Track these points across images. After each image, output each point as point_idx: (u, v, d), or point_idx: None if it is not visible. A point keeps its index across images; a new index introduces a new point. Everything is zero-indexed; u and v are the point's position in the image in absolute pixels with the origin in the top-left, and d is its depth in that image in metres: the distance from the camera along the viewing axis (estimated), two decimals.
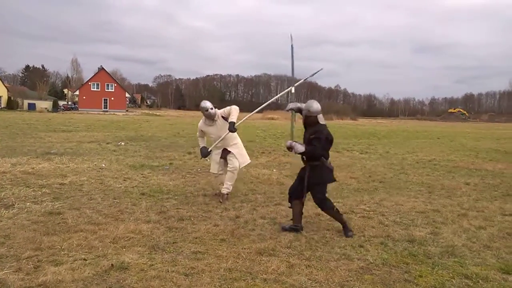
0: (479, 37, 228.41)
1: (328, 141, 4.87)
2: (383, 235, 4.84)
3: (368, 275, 3.70)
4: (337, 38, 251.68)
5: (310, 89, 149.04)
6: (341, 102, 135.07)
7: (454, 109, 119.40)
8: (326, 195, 4.96)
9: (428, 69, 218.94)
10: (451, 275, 3.73)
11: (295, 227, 4.89)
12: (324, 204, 4.90)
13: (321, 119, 4.92)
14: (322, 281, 3.51)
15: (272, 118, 50.90)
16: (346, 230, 4.85)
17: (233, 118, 6.20)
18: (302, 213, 4.99)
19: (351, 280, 3.56)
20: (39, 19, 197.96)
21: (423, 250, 4.38)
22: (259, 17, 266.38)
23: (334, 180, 5.05)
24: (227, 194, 6.43)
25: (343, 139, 21.36)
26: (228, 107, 6.47)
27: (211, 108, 6.38)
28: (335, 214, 4.93)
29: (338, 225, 5.19)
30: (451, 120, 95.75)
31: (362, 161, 12.16)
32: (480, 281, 3.60)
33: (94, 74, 75.37)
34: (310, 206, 6.14)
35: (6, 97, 66.72)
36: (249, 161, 6.99)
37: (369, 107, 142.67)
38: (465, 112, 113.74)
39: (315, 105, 4.89)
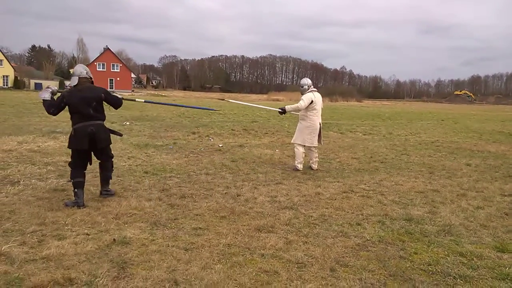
0: (486, 18, 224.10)
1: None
2: (381, 214, 4.91)
3: (364, 251, 3.77)
4: (342, 19, 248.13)
5: (315, 71, 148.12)
6: (347, 84, 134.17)
7: (460, 91, 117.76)
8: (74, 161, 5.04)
9: (434, 50, 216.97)
10: (446, 252, 3.80)
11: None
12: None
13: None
14: (318, 257, 3.58)
15: (278, 99, 50.74)
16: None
17: (288, 106, 7.72)
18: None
19: (346, 256, 3.63)
20: None
21: (420, 228, 4.44)
22: None
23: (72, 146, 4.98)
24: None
25: (347, 120, 21.32)
26: (303, 98, 7.43)
27: (305, 86, 7.55)
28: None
29: (337, 204, 5.27)
30: (457, 102, 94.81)
31: (364, 142, 12.18)
32: (475, 258, 3.66)
33: (100, 54, 75.14)
34: (310, 185, 6.23)
35: (13, 77, 66.97)
36: (294, 141, 7.67)
37: (374, 89, 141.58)
38: (471, 94, 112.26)
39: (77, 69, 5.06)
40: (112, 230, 4.05)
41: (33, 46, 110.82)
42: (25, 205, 4.71)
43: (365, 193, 5.93)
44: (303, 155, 7.49)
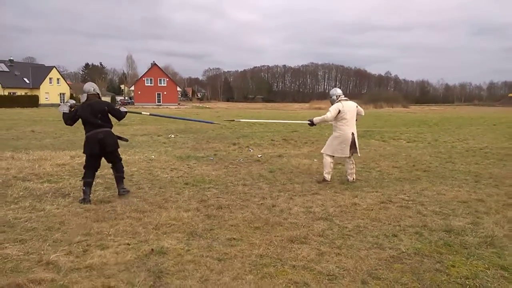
0: None
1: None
2: (419, 225, 4.79)
3: (398, 264, 3.71)
4: (386, 23, 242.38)
5: (359, 77, 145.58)
6: (392, 89, 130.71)
7: None
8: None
9: (484, 52, 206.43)
10: (486, 266, 3.66)
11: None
12: None
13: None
14: (350, 269, 3.57)
15: (320, 108, 50.34)
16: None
17: (317, 117, 7.62)
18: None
19: (380, 269, 3.59)
20: (92, 17, 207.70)
21: (459, 240, 4.29)
22: (305, 4, 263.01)
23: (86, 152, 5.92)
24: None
25: (391, 127, 20.79)
26: (330, 109, 7.25)
27: (333, 96, 7.40)
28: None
29: (374, 214, 5.21)
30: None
31: (407, 150, 11.85)
32: None
33: (148, 70, 78.31)
34: (347, 195, 6.18)
35: (69, 94, 71.24)
36: (324, 151, 7.43)
37: (422, 94, 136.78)
38: None
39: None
40: (151, 240, 4.25)
41: (87, 64, 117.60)
42: (74, 217, 5.04)
43: (404, 203, 5.79)
44: (332, 165, 7.25)
